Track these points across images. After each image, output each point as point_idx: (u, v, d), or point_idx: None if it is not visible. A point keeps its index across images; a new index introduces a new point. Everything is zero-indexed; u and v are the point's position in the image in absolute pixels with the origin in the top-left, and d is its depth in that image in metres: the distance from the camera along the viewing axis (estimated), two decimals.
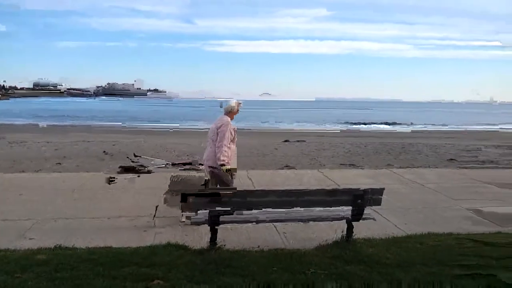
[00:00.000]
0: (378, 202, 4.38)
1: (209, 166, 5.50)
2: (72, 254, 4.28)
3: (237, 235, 5.04)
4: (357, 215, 4.36)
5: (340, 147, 16.54)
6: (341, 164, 11.51)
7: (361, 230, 5.12)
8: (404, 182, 8.30)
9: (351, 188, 4.43)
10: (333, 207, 4.53)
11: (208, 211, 4.25)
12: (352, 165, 11.42)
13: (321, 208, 4.53)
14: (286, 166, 10.91)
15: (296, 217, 4.36)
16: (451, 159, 13.22)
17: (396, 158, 13.37)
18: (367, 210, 4.55)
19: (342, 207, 4.56)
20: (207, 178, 5.64)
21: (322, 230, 5.03)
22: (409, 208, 6.45)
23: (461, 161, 12.81)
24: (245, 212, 4.49)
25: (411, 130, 33.67)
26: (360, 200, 4.26)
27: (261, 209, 4.44)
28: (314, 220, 4.45)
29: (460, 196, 7.26)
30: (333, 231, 4.83)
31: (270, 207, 4.41)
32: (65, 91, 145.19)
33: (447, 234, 5.09)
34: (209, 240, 4.52)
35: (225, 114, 5.60)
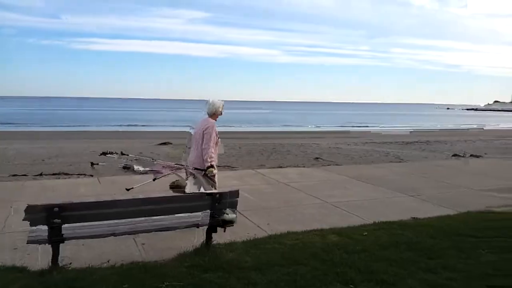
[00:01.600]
0: (234, 205, 4.28)
1: (195, 168, 5.39)
2: None
3: (88, 251, 4.51)
4: (216, 219, 4.19)
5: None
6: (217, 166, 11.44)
7: (224, 234, 5.02)
8: (270, 182, 8.47)
9: (209, 192, 4.25)
10: (194, 212, 4.29)
11: (47, 226, 3.68)
12: (227, 166, 11.42)
13: (180, 215, 4.26)
14: None
15: (148, 227, 4.01)
16: (317, 158, 14.09)
17: (268, 158, 13.75)
18: (229, 213, 4.42)
19: (202, 212, 4.35)
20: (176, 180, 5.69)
21: (184, 237, 4.76)
22: (272, 208, 6.53)
23: (325, 159, 13.75)
24: (94, 224, 4.00)
25: (283, 131, 35.65)
26: (218, 204, 4.10)
27: (115, 220, 4.01)
28: (170, 229, 4.16)
29: (323, 192, 7.61)
30: (195, 238, 4.62)
31: (123, 218, 4.01)
32: None
33: (307, 232, 5.22)
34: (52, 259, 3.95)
35: (209, 116, 5.53)
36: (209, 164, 5.28)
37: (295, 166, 11.36)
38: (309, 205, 6.75)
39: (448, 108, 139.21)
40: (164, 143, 18.29)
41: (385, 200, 7.19)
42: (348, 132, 35.72)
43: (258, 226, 5.60)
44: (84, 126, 38.64)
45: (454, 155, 15.57)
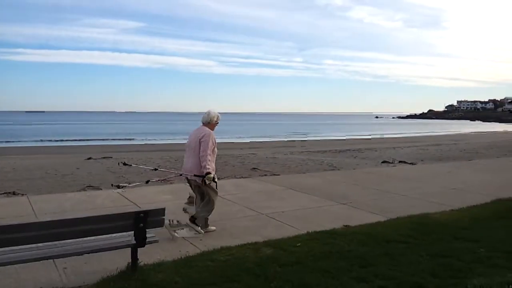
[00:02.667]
0: (159, 224, 4.03)
1: (194, 175, 5.59)
2: None
3: (5, 279, 4.05)
4: (141, 239, 3.91)
5: (149, 162, 15.93)
6: (147, 181, 10.99)
7: (153, 253, 4.74)
8: None
9: (132, 211, 3.95)
10: (115, 233, 3.98)
11: None
12: (163, 180, 11.03)
13: (102, 236, 3.94)
14: (89, 186, 9.87)
15: (65, 251, 3.65)
16: (254, 168, 14.07)
17: None
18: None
19: (126, 232, 4.05)
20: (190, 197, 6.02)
21: (109, 259, 4.42)
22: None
23: (262, 169, 13.75)
24: (6, 249, 3.57)
25: (221, 142, 35.32)
26: (142, 224, 3.83)
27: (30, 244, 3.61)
28: (91, 251, 3.82)
29: (258, 203, 7.51)
30: (121, 260, 4.30)
31: (38, 242, 3.62)
32: None
33: (241, 246, 5.07)
34: None
35: (204, 125, 5.74)
36: (207, 170, 5.45)
37: (232, 177, 11.26)
38: (244, 218, 6.61)
39: (376, 117, 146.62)
40: (89, 158, 17.46)
41: (318, 209, 7.22)
42: (285, 142, 36.35)
43: (191, 243, 5.35)
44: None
45: (384, 161, 16.29)
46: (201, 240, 5.47)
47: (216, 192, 5.77)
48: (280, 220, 6.45)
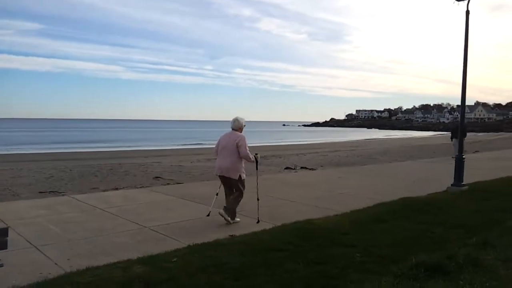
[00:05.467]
0: (3, 246, 3.48)
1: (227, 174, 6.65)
2: None
3: None
4: None
5: (40, 172, 14.53)
6: (40, 192, 10.10)
7: (9, 277, 4.15)
8: (85, 209, 7.53)
9: None
10: None
11: None
12: (54, 191, 10.09)
13: None
14: None
15: None
16: (157, 177, 13.49)
17: (103, 180, 12.72)
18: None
19: None
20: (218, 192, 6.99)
21: None
22: (79, 240, 5.70)
23: (165, 178, 13.23)
24: None
25: (124, 150, 33.82)
26: None
27: None
28: None
29: (143, 216, 7.07)
30: None
31: None
32: None
33: (111, 265, 4.62)
34: None
35: (235, 130, 6.72)
36: (254, 156, 6.76)
37: (132, 188, 10.70)
38: (124, 232, 6.11)
39: (284, 125, 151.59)
40: None
41: (207, 218, 6.96)
42: (193, 149, 35.81)
43: (56, 264, 4.77)
44: None
45: (286, 168, 16.65)
46: (68, 259, 4.91)
47: (244, 187, 6.76)
48: (163, 233, 6.08)
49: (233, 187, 6.74)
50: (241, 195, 6.74)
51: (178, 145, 42.88)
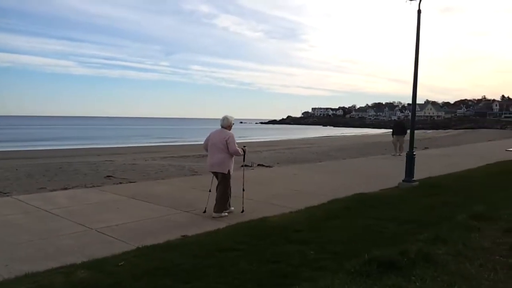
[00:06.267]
0: None
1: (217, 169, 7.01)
2: None
3: None
4: None
5: None
6: None
7: None
8: (28, 211, 7.08)
9: None
10: None
11: None
12: None
13: None
14: None
15: None
16: (109, 176, 13.02)
17: (51, 179, 12.16)
18: None
19: None
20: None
21: None
22: (19, 243, 5.32)
23: (118, 177, 12.76)
24: None
25: (75, 148, 32.53)
26: None
27: None
28: None
29: (91, 217, 6.73)
30: None
31: None
32: None
33: (52, 270, 4.32)
34: None
35: (224, 128, 7.09)
36: (243, 150, 7.18)
37: (82, 187, 10.27)
38: (69, 235, 5.77)
39: (241, 122, 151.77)
40: None
41: (159, 219, 6.73)
42: (147, 147, 35.00)
43: None
44: None
45: (245, 165, 16.51)
46: (6, 266, 4.55)
47: (229, 181, 7.07)
48: (111, 235, 5.79)
49: (223, 183, 7.04)
50: (227, 188, 7.02)
51: (133, 143, 41.70)
